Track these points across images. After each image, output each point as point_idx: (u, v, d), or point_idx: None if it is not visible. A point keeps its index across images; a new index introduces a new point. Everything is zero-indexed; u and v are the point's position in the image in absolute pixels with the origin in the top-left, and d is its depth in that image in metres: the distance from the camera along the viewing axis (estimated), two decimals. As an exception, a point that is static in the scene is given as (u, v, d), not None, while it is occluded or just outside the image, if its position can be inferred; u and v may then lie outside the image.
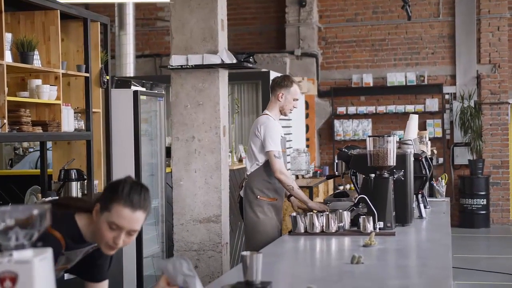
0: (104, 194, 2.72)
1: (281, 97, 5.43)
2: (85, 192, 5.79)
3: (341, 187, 12.52)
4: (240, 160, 8.79)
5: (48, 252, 1.84)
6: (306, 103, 12.82)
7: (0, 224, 1.78)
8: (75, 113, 5.66)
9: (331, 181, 11.79)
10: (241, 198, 5.56)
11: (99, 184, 6.03)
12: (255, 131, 5.36)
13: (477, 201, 12.60)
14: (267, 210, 5.34)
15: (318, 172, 11.33)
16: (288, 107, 5.46)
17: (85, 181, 5.75)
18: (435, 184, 6.62)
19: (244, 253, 2.80)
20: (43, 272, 1.80)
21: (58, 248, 2.66)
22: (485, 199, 12.63)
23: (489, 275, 8.71)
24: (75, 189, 5.58)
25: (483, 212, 12.65)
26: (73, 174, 5.58)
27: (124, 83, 6.66)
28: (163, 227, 7.03)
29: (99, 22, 6.07)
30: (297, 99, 5.50)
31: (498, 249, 10.94)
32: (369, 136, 4.61)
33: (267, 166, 5.33)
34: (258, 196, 5.35)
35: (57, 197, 5.12)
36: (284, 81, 5.47)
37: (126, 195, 2.64)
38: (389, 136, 4.56)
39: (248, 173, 5.46)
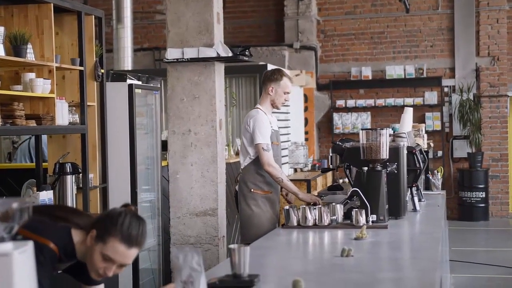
0: (101, 222, 2.71)
1: (272, 91, 5.46)
2: (80, 186, 5.79)
3: (341, 180, 12.53)
4: (237, 154, 8.79)
5: (29, 245, 1.84)
6: (305, 96, 12.81)
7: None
8: (69, 106, 5.65)
9: (329, 174, 11.79)
10: (236, 192, 5.58)
11: (94, 178, 6.03)
12: (245, 125, 5.41)
13: (476, 194, 12.60)
14: (261, 203, 5.35)
15: (317, 165, 11.32)
16: (279, 101, 5.47)
17: (80, 174, 5.75)
18: (431, 177, 6.62)
19: (232, 246, 2.81)
20: (23, 265, 1.80)
21: (53, 259, 2.66)
22: (484, 192, 12.63)
23: (488, 268, 8.72)
24: (70, 183, 5.57)
25: (482, 205, 12.65)
26: (68, 167, 5.58)
27: (120, 76, 6.65)
28: (159, 221, 7.04)
29: (93, 16, 6.06)
30: (287, 92, 5.50)
31: (497, 242, 10.94)
32: (362, 129, 4.61)
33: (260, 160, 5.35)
34: (252, 190, 5.38)
35: (54, 204, 5.06)
36: (274, 75, 5.49)
37: (125, 231, 2.65)
38: (382, 129, 4.56)
39: (241, 167, 5.48)
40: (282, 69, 5.76)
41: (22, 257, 1.80)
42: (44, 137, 6.17)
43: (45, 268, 2.58)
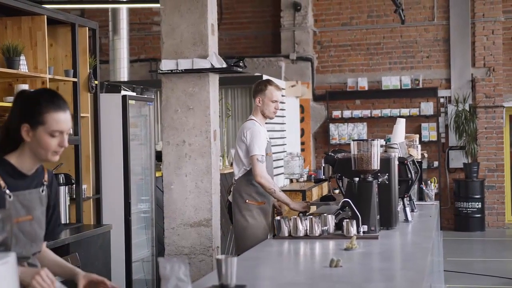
0: (24, 113, 2.76)
1: (260, 102, 5.55)
2: (74, 196, 5.80)
3: (337, 191, 12.54)
4: (232, 164, 8.81)
5: (11, 257, 1.86)
6: (302, 107, 12.85)
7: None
8: (63, 117, 5.67)
9: (325, 185, 11.80)
10: (230, 203, 5.60)
11: (87, 189, 6.05)
12: (241, 137, 5.44)
13: (472, 204, 12.61)
14: (256, 214, 5.38)
15: (313, 176, 11.33)
16: (269, 110, 5.52)
17: (73, 185, 5.77)
18: (424, 188, 6.63)
19: (219, 257, 2.82)
20: (5, 276, 1.81)
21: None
22: (480, 203, 12.63)
23: (483, 278, 8.72)
24: (63, 194, 5.59)
25: (478, 215, 12.65)
26: (61, 178, 5.59)
27: (114, 87, 6.67)
28: (153, 231, 7.04)
29: (87, 28, 6.09)
30: (275, 101, 5.54)
31: (493, 252, 10.95)
32: (353, 140, 4.63)
33: None
34: (247, 200, 5.40)
35: None
36: (259, 86, 5.61)
37: (50, 103, 2.75)
38: (373, 140, 4.58)
39: (235, 178, 5.52)
40: (270, 79, 5.81)
41: (4, 268, 1.81)
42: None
43: None
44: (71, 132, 5.76)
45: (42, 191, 2.91)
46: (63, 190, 5.58)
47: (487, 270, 9.19)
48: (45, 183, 2.94)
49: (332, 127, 13.32)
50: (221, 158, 7.99)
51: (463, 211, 12.63)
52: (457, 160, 12.97)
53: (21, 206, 2.81)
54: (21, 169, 2.82)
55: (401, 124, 5.69)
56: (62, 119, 2.78)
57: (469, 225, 12.59)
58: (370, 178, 4.56)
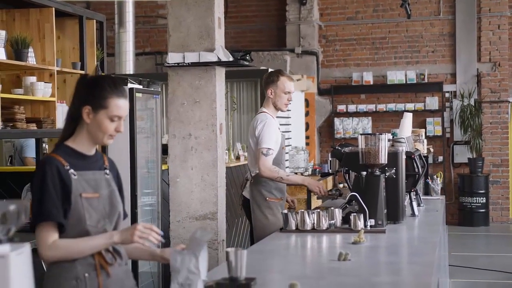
0: (87, 96, 2.91)
1: (271, 93, 5.40)
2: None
3: (341, 185, 12.54)
4: (238, 158, 8.82)
5: (26, 247, 1.86)
6: (306, 101, 12.84)
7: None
8: (70, 110, 5.68)
9: (330, 179, 11.80)
10: (245, 199, 5.47)
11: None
12: (253, 130, 5.33)
13: (476, 199, 12.61)
14: (276, 211, 5.30)
15: (318, 170, 11.33)
16: (281, 102, 5.39)
17: (81, 177, 5.77)
18: (430, 183, 6.63)
19: (229, 249, 2.83)
20: (20, 266, 1.82)
21: (56, 163, 2.85)
22: (484, 198, 12.63)
23: (487, 273, 8.73)
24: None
25: (483, 210, 12.65)
26: (69, 171, 5.59)
27: (121, 80, 6.66)
28: (159, 224, 7.05)
29: (94, 20, 6.10)
30: (288, 92, 5.40)
31: (497, 247, 10.95)
32: (361, 134, 4.63)
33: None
34: (267, 198, 5.30)
35: None
36: (270, 77, 5.44)
37: (114, 90, 2.90)
38: (381, 134, 4.57)
39: (253, 174, 5.37)
40: (281, 70, 5.70)
41: (19, 259, 1.82)
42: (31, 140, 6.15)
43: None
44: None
45: (107, 174, 3.04)
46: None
47: (491, 265, 9.19)
48: (107, 167, 3.06)
49: (337, 121, 13.32)
50: (226, 151, 8.00)
51: (467, 206, 12.63)
52: (462, 155, 12.96)
53: (88, 185, 2.93)
54: (80, 151, 2.95)
55: (408, 118, 5.68)
56: (123, 106, 2.92)
57: (474, 220, 12.59)
58: (377, 172, 4.56)
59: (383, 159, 4.54)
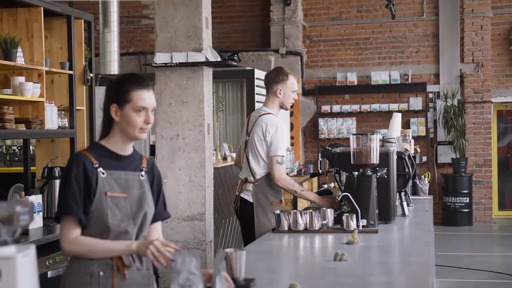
0: (112, 95, 2.99)
1: (280, 93, 5.21)
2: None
3: (325, 186, 12.57)
4: (225, 158, 8.80)
5: (32, 249, 1.84)
6: (291, 102, 12.82)
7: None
8: (58, 110, 5.63)
9: (315, 179, 11.83)
10: (243, 201, 5.25)
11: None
12: (263, 132, 5.11)
13: (460, 199, 12.68)
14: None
15: (303, 170, 11.35)
16: (289, 101, 5.25)
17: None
18: (418, 183, 6.65)
19: (228, 250, 2.82)
20: (27, 268, 1.80)
21: (85, 159, 2.92)
22: (468, 197, 12.71)
23: (472, 272, 8.78)
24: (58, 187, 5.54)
25: (466, 210, 12.73)
26: (57, 172, 5.55)
27: (107, 80, 6.64)
28: (147, 225, 7.02)
29: (83, 20, 6.05)
30: (295, 91, 5.27)
31: (480, 247, 11.02)
32: (352, 134, 4.63)
33: None
34: (273, 202, 5.16)
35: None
36: (279, 75, 5.21)
37: (135, 83, 2.98)
38: (373, 134, 4.58)
39: (257, 177, 5.17)
40: (282, 67, 5.54)
41: (25, 261, 1.80)
42: None
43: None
44: (67, 125, 5.73)
45: (141, 175, 3.06)
46: (58, 184, 5.54)
47: (475, 264, 9.25)
48: (143, 169, 3.08)
49: (321, 121, 13.34)
50: (213, 152, 7.98)
51: (451, 206, 12.70)
52: (446, 155, 13.03)
53: (116, 184, 2.97)
54: (114, 150, 3.00)
55: (397, 118, 5.69)
56: (146, 97, 2.97)
57: (457, 219, 12.67)
58: (369, 172, 4.57)
59: (375, 159, 4.55)
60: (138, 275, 3.01)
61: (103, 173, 2.94)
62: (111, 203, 2.93)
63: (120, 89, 2.98)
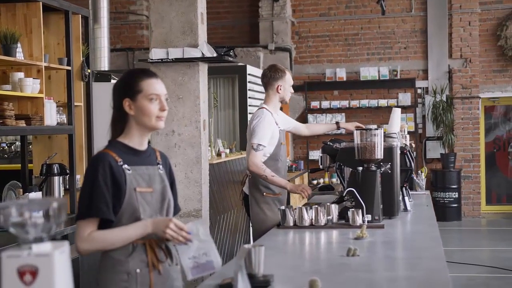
0: (122, 90, 2.97)
1: (280, 89, 5.45)
2: (67, 187, 5.71)
3: (315, 181, 12.58)
4: (219, 154, 8.76)
5: (66, 246, 1.81)
6: (280, 98, 12.80)
7: (18, 217, 1.76)
8: (57, 107, 5.58)
9: (305, 175, 11.82)
10: (245, 195, 5.45)
11: (81, 179, 5.96)
12: (250, 126, 5.33)
13: (449, 194, 12.74)
14: (273, 206, 5.28)
15: (294, 166, 11.35)
16: (288, 95, 5.54)
17: (68, 175, 5.68)
18: (415, 178, 6.66)
19: (247, 246, 2.79)
20: (63, 264, 1.78)
21: (109, 158, 2.90)
22: (456, 193, 12.77)
23: (462, 267, 8.82)
24: (58, 184, 5.50)
25: (455, 205, 12.79)
26: (55, 168, 5.50)
27: (103, 76, 6.60)
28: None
29: (80, 15, 6.00)
30: (292, 84, 5.59)
31: (470, 241, 11.08)
32: (356, 129, 4.63)
33: (271, 161, 5.28)
34: (264, 193, 5.30)
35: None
36: (278, 73, 5.44)
37: (142, 73, 2.99)
38: (377, 129, 4.58)
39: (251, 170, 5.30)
40: (276, 64, 5.73)
41: (62, 257, 1.77)
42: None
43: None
44: (65, 121, 5.67)
45: (160, 169, 3.05)
46: (57, 181, 5.50)
47: (465, 259, 9.30)
48: (159, 162, 3.07)
49: (310, 117, 13.33)
50: (208, 148, 7.94)
51: (440, 201, 12.74)
52: (434, 150, 13.08)
53: (142, 179, 2.95)
54: (133, 146, 2.99)
55: (397, 113, 5.69)
56: (156, 84, 2.97)
57: (446, 214, 12.71)
58: (373, 168, 4.56)
59: (379, 154, 4.54)
60: (171, 270, 3.00)
61: (128, 170, 2.92)
62: (140, 198, 2.92)
63: (129, 82, 2.97)
